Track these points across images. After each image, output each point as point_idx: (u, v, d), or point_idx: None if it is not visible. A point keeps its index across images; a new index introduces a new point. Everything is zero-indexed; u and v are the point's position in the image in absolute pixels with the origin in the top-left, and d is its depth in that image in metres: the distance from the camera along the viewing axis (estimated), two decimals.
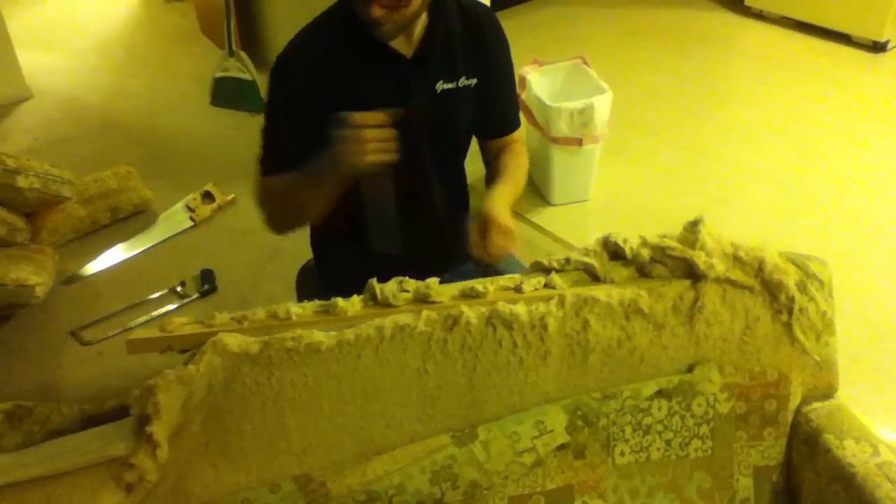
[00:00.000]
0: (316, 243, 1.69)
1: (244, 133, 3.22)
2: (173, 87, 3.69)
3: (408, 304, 1.29)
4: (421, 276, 1.31)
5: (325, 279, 1.66)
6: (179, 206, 2.68)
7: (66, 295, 2.34)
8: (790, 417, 1.30)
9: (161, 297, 2.29)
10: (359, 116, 1.24)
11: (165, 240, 2.55)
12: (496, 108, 1.59)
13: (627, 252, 1.32)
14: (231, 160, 3.04)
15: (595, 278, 1.33)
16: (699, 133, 3.17)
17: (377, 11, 1.28)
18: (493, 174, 1.58)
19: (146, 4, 4.66)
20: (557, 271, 1.34)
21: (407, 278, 1.32)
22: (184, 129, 3.27)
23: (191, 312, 2.23)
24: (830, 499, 1.20)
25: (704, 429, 1.29)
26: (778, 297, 1.28)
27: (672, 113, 3.29)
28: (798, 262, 1.31)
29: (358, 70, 1.39)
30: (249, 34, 3.57)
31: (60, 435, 1.37)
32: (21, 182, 2.23)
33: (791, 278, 1.28)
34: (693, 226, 1.30)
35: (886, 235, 2.57)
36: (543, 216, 2.66)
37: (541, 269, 1.35)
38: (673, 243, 1.30)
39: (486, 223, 1.41)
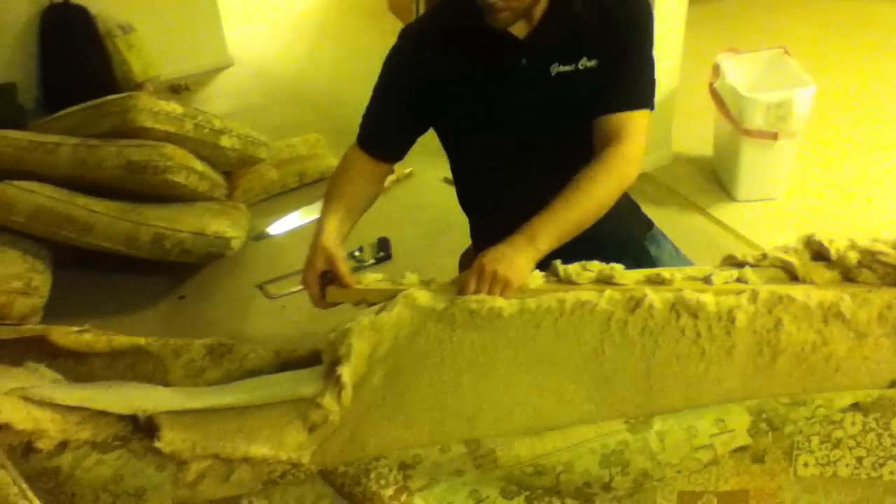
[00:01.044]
0: (474, 235, 1.73)
1: None
2: (361, 63, 3.83)
3: (591, 284, 1.29)
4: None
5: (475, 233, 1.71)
6: None
7: (255, 251, 2.51)
8: None
9: None
10: (305, 277, 1.40)
11: None
12: (606, 83, 1.38)
13: (832, 253, 1.24)
14: None
15: (793, 278, 1.26)
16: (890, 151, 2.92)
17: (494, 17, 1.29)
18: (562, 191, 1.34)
19: None
20: (752, 266, 1.28)
21: (592, 261, 1.31)
22: (366, 102, 3.39)
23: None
24: None
25: None
26: None
27: (878, 115, 3.04)
28: None
29: (469, 51, 1.38)
30: None
31: (256, 374, 1.48)
32: (224, 142, 2.40)
33: None
34: None
35: None
36: (725, 212, 2.55)
37: (733, 263, 1.30)
38: (887, 248, 1.21)
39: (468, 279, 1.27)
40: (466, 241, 2.39)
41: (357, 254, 2.41)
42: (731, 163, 2.56)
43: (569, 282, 1.29)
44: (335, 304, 1.43)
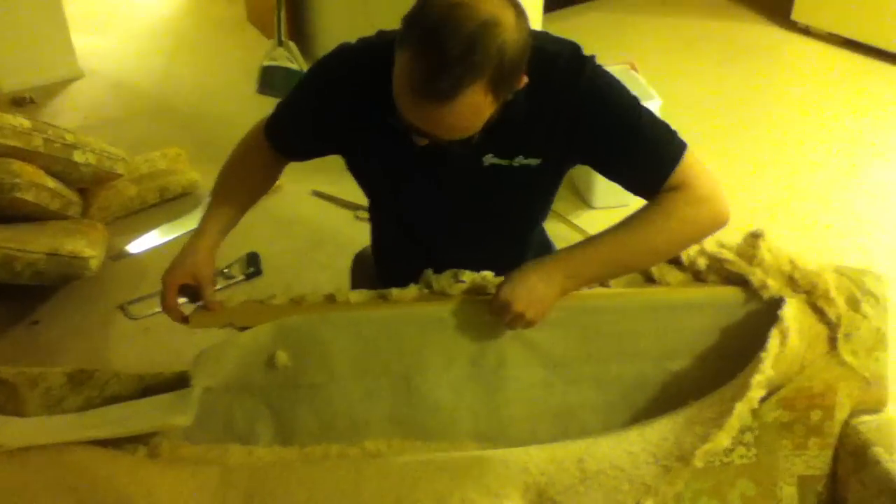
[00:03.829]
0: (375, 239, 1.63)
1: None
2: (221, 74, 3.74)
3: (463, 295, 1.32)
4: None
5: (381, 268, 1.66)
6: None
7: (115, 271, 2.39)
8: (836, 429, 1.30)
9: None
10: (165, 302, 1.36)
11: None
12: (628, 175, 1.27)
13: (684, 258, 1.34)
14: None
15: (649, 279, 1.36)
16: (746, 145, 3.16)
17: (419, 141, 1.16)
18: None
19: None
20: None
21: (463, 270, 1.34)
22: (230, 115, 3.32)
23: (236, 294, 2.27)
24: None
25: (749, 436, 1.29)
26: (827, 316, 1.29)
27: (719, 124, 3.28)
28: (853, 278, 1.31)
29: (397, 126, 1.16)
30: (298, 25, 3.62)
31: (118, 401, 1.41)
32: (78, 157, 2.28)
33: (842, 297, 1.29)
34: (753, 238, 1.31)
35: None
36: (584, 219, 2.68)
37: None
38: (731, 256, 1.32)
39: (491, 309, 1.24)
40: (339, 256, 2.39)
41: (225, 270, 2.35)
42: (588, 172, 2.69)
43: (442, 293, 1.33)
44: (202, 327, 1.38)
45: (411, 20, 1.05)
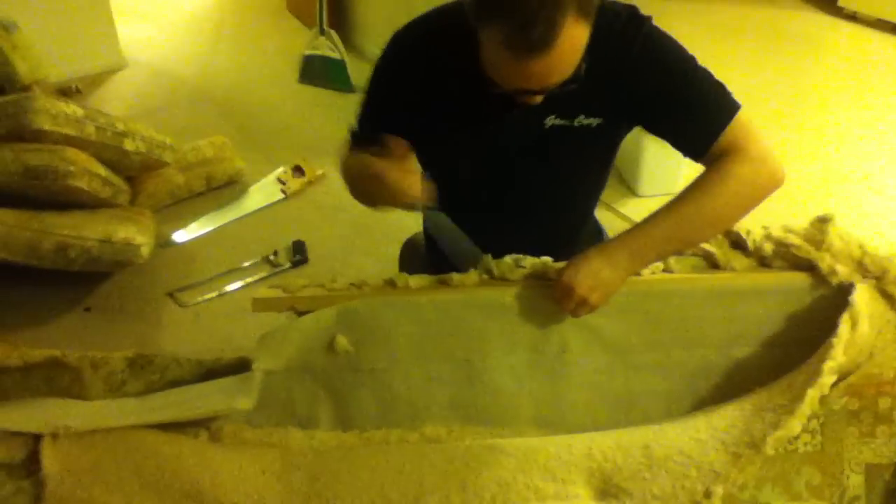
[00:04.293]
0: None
1: (332, 111, 3.28)
2: (261, 63, 3.76)
3: (524, 280, 1.31)
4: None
5: (433, 252, 1.66)
6: (271, 178, 2.74)
7: (163, 258, 2.42)
8: None
9: (253, 265, 2.35)
10: (384, 171, 1.15)
11: (257, 210, 2.62)
12: (676, 134, 1.29)
13: (750, 243, 1.32)
14: (319, 137, 3.09)
15: (713, 265, 1.34)
16: (790, 135, 3.11)
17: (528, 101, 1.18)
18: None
19: None
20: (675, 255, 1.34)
21: (524, 256, 1.33)
22: (272, 104, 3.34)
23: (283, 281, 2.28)
24: None
25: (814, 423, 1.26)
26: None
27: (762, 113, 3.23)
28: None
29: (465, 91, 1.23)
30: (339, 14, 3.62)
31: (179, 385, 1.43)
32: (128, 145, 2.31)
33: None
34: (821, 223, 1.29)
35: None
36: (630, 207, 2.65)
37: None
38: (799, 241, 1.30)
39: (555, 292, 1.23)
40: (384, 242, 2.40)
41: (272, 258, 2.37)
42: (634, 160, 2.67)
43: (503, 279, 1.32)
44: (265, 311, 1.39)
45: None
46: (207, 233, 2.52)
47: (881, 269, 1.26)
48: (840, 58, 3.84)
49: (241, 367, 1.42)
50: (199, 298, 2.22)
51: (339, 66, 3.37)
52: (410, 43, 1.31)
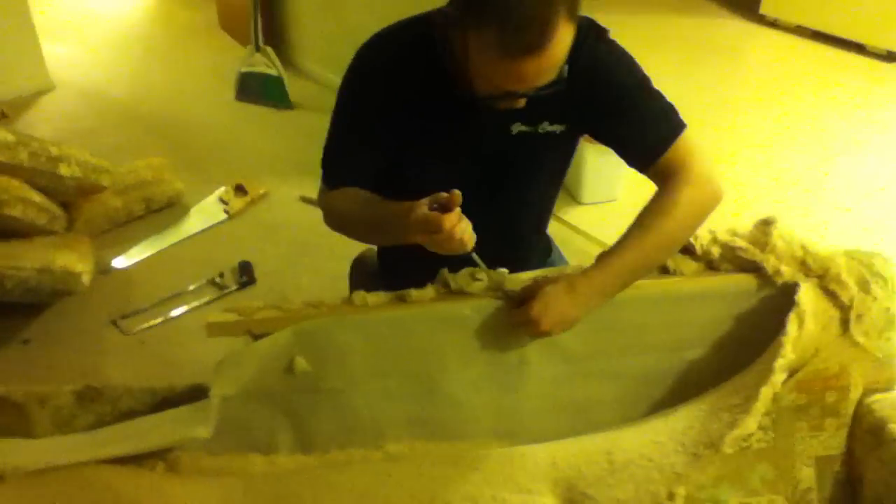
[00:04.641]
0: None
1: (271, 128, 3.25)
2: (194, 82, 3.70)
3: (482, 292, 1.32)
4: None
5: (386, 268, 1.66)
6: (212, 198, 2.70)
7: (104, 285, 2.35)
8: (851, 409, 1.32)
9: (199, 288, 2.31)
10: (445, 222, 1.11)
11: (200, 232, 2.57)
12: (627, 142, 1.33)
13: (697, 248, 1.36)
14: (260, 155, 3.06)
15: (664, 270, 1.37)
16: (716, 140, 3.21)
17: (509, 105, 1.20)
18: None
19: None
20: None
21: (480, 268, 1.34)
22: (208, 122, 3.29)
23: (229, 304, 2.24)
24: None
25: (766, 420, 1.30)
26: (840, 299, 1.31)
27: (690, 119, 3.32)
28: (862, 261, 1.33)
29: (433, 98, 1.28)
30: (274, 31, 3.59)
31: (132, 416, 1.39)
32: (63, 170, 2.24)
33: (853, 280, 1.32)
34: (765, 225, 1.33)
35: None
36: (573, 215, 2.70)
37: None
38: (744, 244, 1.34)
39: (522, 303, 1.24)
40: (332, 260, 2.37)
41: (218, 280, 2.33)
42: (576, 169, 2.72)
43: (460, 292, 1.33)
44: (219, 336, 1.36)
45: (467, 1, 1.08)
46: (149, 257, 2.46)
47: (823, 268, 1.31)
48: (763, 63, 3.99)
49: (196, 394, 1.39)
50: (144, 325, 2.16)
51: (277, 82, 3.34)
52: (377, 54, 1.32)
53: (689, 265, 1.36)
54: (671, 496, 1.12)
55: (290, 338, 1.29)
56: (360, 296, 1.33)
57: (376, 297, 1.33)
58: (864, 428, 1.31)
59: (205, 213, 2.64)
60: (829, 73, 3.82)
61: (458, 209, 1.12)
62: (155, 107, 3.47)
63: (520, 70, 1.08)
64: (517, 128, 1.31)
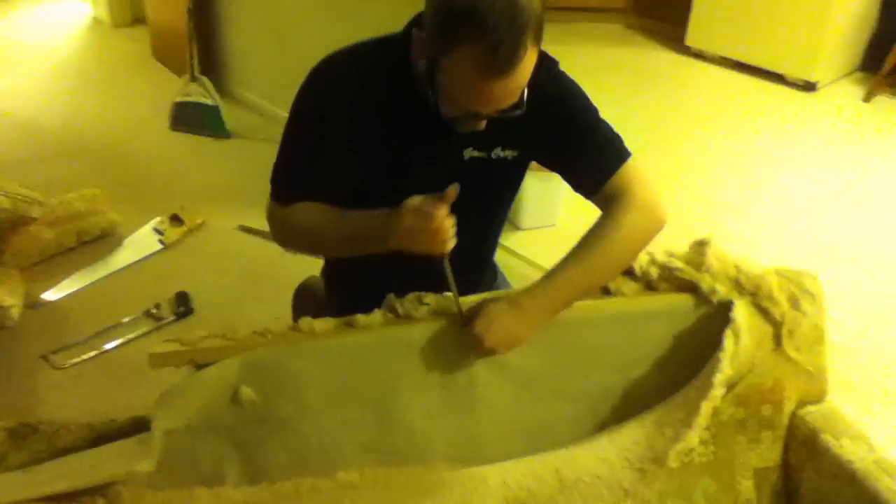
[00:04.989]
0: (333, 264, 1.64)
1: (208, 157, 3.22)
2: (129, 112, 3.64)
3: (429, 317, 1.33)
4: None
5: (333, 290, 1.65)
6: (147, 229, 2.64)
7: (34, 319, 2.27)
8: (785, 421, 1.37)
9: (134, 320, 2.25)
10: (439, 210, 1.15)
11: (135, 263, 2.52)
12: (577, 168, 1.39)
13: (637, 269, 1.39)
14: (196, 185, 3.02)
15: (606, 291, 1.40)
16: (654, 166, 3.30)
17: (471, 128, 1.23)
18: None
19: (94, 30, 4.60)
20: None
21: (426, 293, 1.35)
22: (144, 153, 3.24)
23: (167, 335, 2.19)
24: (832, 496, 1.28)
25: (706, 434, 1.34)
26: (772, 315, 1.36)
27: (629, 146, 3.41)
28: (792, 278, 1.39)
29: (395, 120, 1.31)
30: (210, 60, 3.57)
31: (69, 453, 1.34)
32: None
33: (784, 297, 1.37)
34: (700, 246, 1.38)
35: (826, 249, 2.72)
36: (513, 240, 2.73)
37: None
38: (681, 264, 1.38)
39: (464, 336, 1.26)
40: (273, 289, 2.35)
41: (154, 311, 2.27)
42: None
43: (407, 317, 1.33)
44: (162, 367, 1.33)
45: (443, 23, 1.10)
46: (81, 289, 2.39)
47: (755, 286, 1.36)
48: (692, 93, 4.14)
49: (136, 428, 1.35)
50: (77, 359, 2.10)
51: (213, 112, 3.31)
52: (339, 72, 1.32)
53: (629, 286, 1.40)
54: None
55: (237, 367, 1.27)
56: (307, 322, 1.32)
57: (324, 324, 1.32)
58: (798, 439, 1.36)
59: (140, 243, 2.59)
60: (753, 101, 3.98)
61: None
62: (89, 138, 3.40)
63: (489, 91, 1.11)
64: (469, 153, 1.33)
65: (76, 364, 2.09)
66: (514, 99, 1.16)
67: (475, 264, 1.57)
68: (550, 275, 1.28)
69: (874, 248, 2.77)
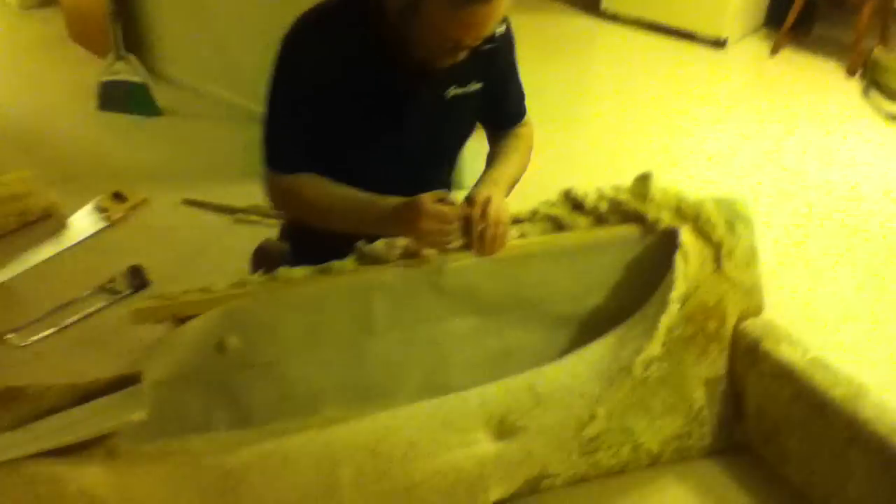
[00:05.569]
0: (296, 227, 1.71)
1: (141, 135, 3.17)
2: (52, 95, 3.54)
3: (400, 259, 1.41)
4: None
5: (298, 251, 1.71)
6: (89, 207, 2.62)
7: None
8: (729, 334, 1.51)
9: (90, 296, 2.24)
10: (450, 212, 1.31)
11: (81, 241, 2.49)
12: (504, 104, 1.60)
13: (587, 205, 1.51)
14: (132, 163, 2.98)
15: (560, 227, 1.51)
16: (570, 131, 3.38)
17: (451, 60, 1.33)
18: (492, 156, 1.58)
19: (1, 14, 4.43)
20: (527, 221, 1.51)
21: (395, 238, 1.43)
22: (74, 135, 3.17)
23: (125, 308, 2.20)
24: (775, 393, 1.43)
25: (662, 350, 1.44)
26: (712, 239, 1.50)
27: (545, 111, 3.52)
28: (726, 204, 1.53)
29: (370, 68, 1.38)
30: (135, 38, 3.50)
31: (56, 412, 1.37)
32: None
33: (721, 221, 1.51)
34: (644, 180, 1.50)
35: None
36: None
37: (514, 220, 1.50)
38: (627, 197, 1.50)
39: (473, 214, 1.37)
40: (225, 259, 2.39)
41: (109, 286, 2.27)
42: None
43: (377, 260, 1.41)
44: (145, 322, 1.37)
45: None
46: (29, 269, 2.36)
47: (695, 213, 1.49)
48: (609, 55, 4.28)
49: (121, 384, 1.38)
50: (35, 337, 2.09)
51: (142, 89, 3.26)
52: (313, 35, 1.38)
53: (581, 220, 1.51)
54: (592, 416, 1.25)
55: (219, 317, 1.33)
56: (284, 271, 1.39)
57: (300, 272, 1.39)
58: (741, 349, 1.50)
59: (84, 222, 2.56)
60: (667, 60, 4.16)
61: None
62: (14, 123, 3.29)
63: (472, 17, 1.21)
64: (453, 91, 1.44)
65: (36, 342, 2.08)
66: (492, 29, 1.27)
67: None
68: (496, 169, 1.50)
69: (781, 192, 2.96)
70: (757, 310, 1.55)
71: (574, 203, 1.52)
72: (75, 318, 2.15)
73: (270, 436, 1.33)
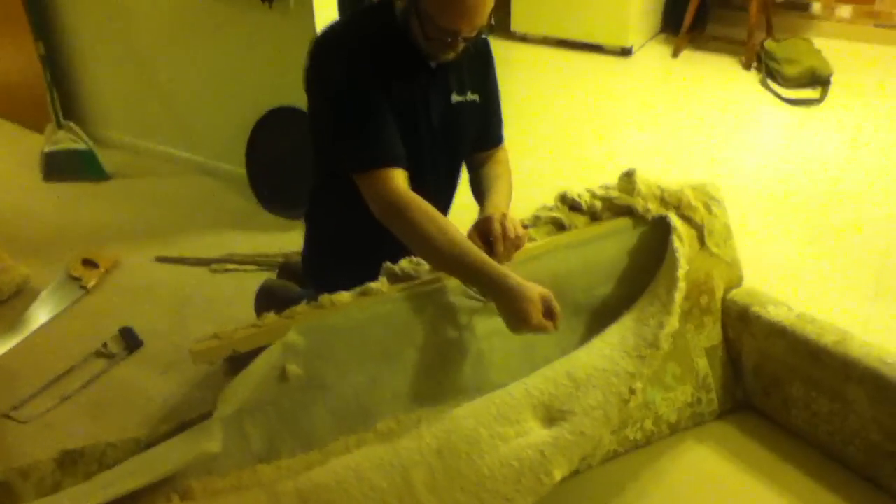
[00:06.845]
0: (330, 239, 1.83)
1: (94, 201, 3.16)
2: None
3: (429, 274, 1.53)
4: None
5: (315, 275, 1.81)
6: (61, 277, 2.61)
7: None
8: (719, 305, 1.69)
9: (86, 361, 2.25)
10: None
11: (62, 311, 2.49)
12: (492, 122, 1.75)
13: (584, 205, 1.67)
14: (92, 229, 2.98)
15: (561, 227, 1.66)
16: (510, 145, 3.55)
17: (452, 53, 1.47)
18: (485, 183, 1.72)
19: None
20: (531, 226, 1.65)
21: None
22: (25, 208, 3.13)
23: (125, 370, 2.23)
24: (769, 351, 1.61)
25: None
26: (694, 221, 1.68)
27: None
28: (701, 189, 1.72)
29: (390, 71, 1.50)
30: (70, 106, 3.49)
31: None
32: None
33: (700, 204, 1.69)
34: (629, 176, 1.67)
35: None
36: None
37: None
38: (617, 193, 1.67)
39: (495, 232, 1.51)
40: (212, 307, 2.44)
41: (103, 350, 2.28)
42: None
43: (409, 277, 1.53)
44: (206, 361, 1.44)
45: None
46: (15, 347, 2.34)
47: (677, 200, 1.67)
48: (521, 73, 4.48)
49: (182, 430, 1.45)
50: (42, 409, 2.08)
51: (89, 155, 3.26)
52: (341, 46, 1.51)
53: (579, 219, 1.67)
54: (632, 391, 1.39)
55: (280, 349, 1.41)
56: (326, 297, 1.49)
57: (342, 297, 1.49)
58: (733, 317, 1.68)
59: (59, 292, 2.54)
60: (578, 72, 4.41)
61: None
62: None
63: (464, 4, 1.35)
64: (455, 98, 1.59)
65: (43, 414, 2.07)
66: (483, 21, 1.41)
67: (451, 196, 1.83)
68: (493, 198, 1.64)
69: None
70: (738, 280, 1.74)
71: (571, 204, 1.67)
72: (77, 385, 2.16)
73: (335, 455, 1.42)
